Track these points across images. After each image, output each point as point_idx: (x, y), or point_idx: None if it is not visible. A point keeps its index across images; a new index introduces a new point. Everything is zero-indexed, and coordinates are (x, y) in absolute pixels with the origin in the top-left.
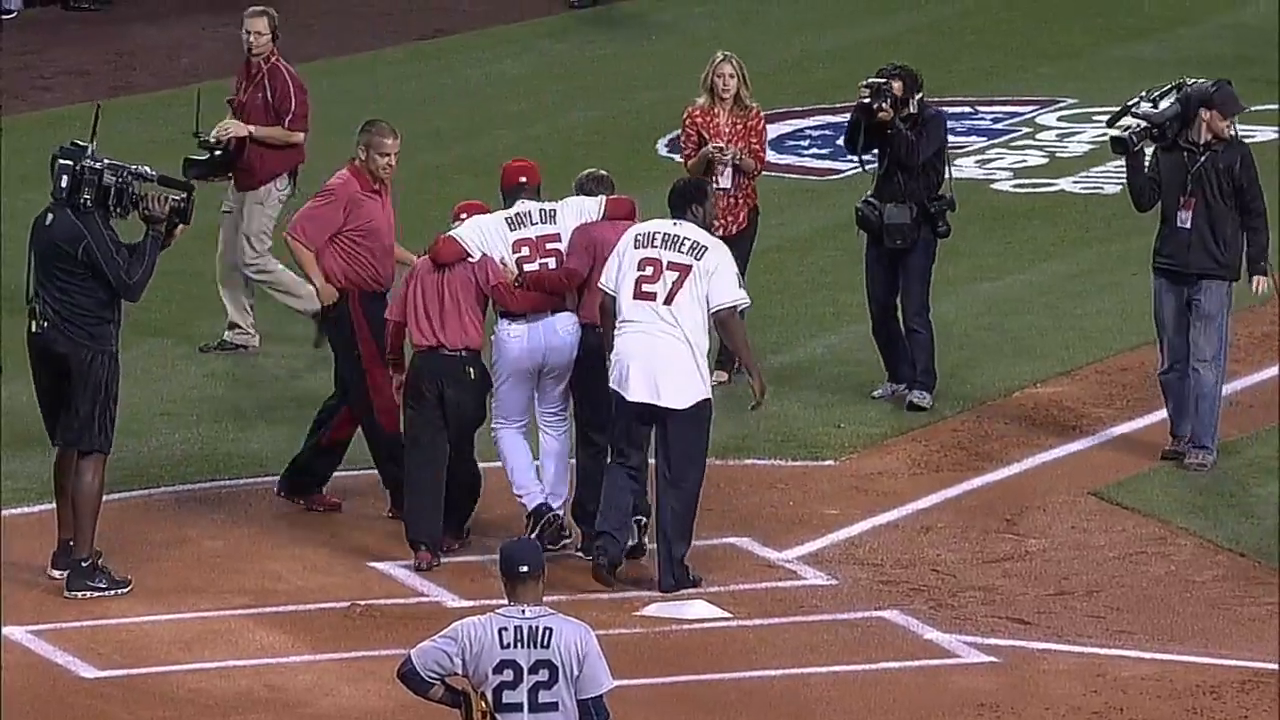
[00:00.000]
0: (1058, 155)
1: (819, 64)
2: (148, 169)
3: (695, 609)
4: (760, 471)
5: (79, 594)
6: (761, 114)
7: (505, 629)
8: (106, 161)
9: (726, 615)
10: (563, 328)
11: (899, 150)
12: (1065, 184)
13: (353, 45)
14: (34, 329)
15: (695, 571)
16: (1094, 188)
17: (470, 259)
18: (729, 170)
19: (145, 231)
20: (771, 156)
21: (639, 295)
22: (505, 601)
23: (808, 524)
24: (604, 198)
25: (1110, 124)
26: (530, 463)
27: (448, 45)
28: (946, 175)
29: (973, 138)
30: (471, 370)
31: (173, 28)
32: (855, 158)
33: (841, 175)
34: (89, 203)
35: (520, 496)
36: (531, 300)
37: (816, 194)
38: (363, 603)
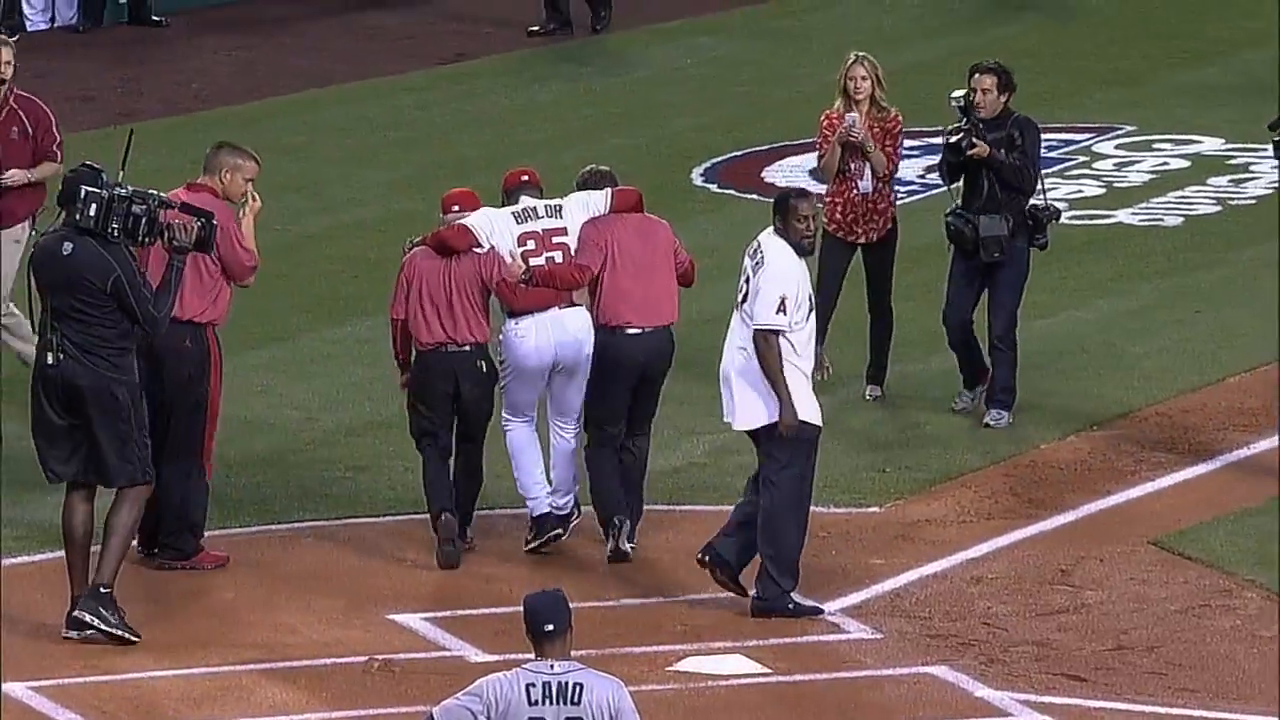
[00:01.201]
0: (1115, 185)
1: None
2: (167, 196)
3: (732, 664)
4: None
5: (86, 616)
6: (900, 118)
7: (533, 685)
8: (131, 189)
9: (765, 670)
10: (573, 324)
11: (1011, 181)
12: (1123, 215)
13: (371, 70)
14: (50, 361)
15: (800, 599)
16: (1154, 220)
17: (478, 249)
18: (867, 172)
19: (169, 262)
20: (812, 186)
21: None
22: (531, 656)
23: (851, 574)
24: (610, 190)
25: (1273, 128)
26: (538, 466)
27: (471, 70)
28: (1040, 182)
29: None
30: (483, 364)
31: (183, 52)
32: (946, 186)
33: None
34: (116, 233)
35: (526, 501)
36: (538, 297)
37: None
38: (381, 657)
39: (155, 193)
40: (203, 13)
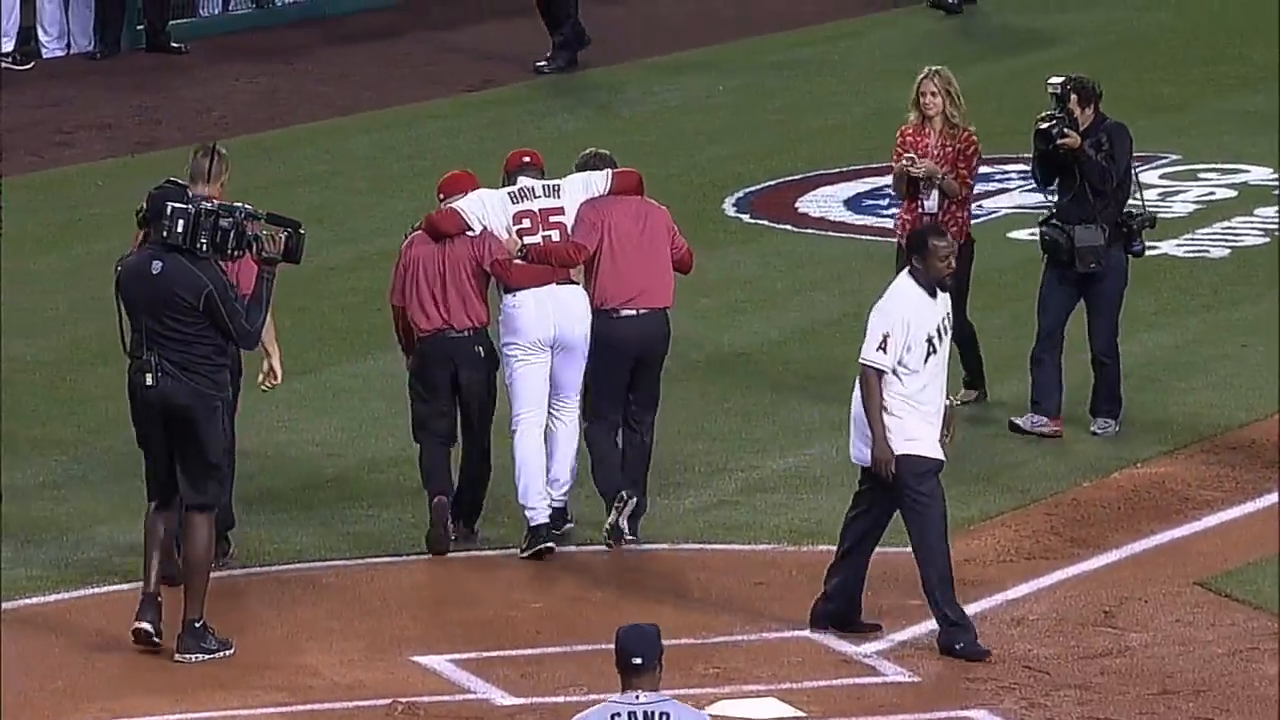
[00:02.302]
0: (1160, 216)
1: (899, 117)
2: (253, 207)
3: (767, 707)
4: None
5: (190, 657)
6: (974, 137)
7: (619, 714)
8: (217, 203)
9: (799, 714)
10: (571, 300)
11: (1092, 177)
12: (1168, 247)
13: (396, 97)
14: (149, 383)
15: (970, 640)
16: (1199, 251)
17: (470, 232)
18: (935, 193)
19: (259, 274)
20: (847, 216)
21: None
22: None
23: (888, 615)
24: (610, 171)
25: None
26: (541, 477)
27: (497, 97)
28: (1136, 189)
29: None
30: (481, 349)
31: (203, 79)
32: (1041, 190)
33: None
34: (205, 247)
35: (524, 509)
36: (534, 273)
37: (896, 257)
38: (404, 701)
39: (241, 205)
40: (222, 39)
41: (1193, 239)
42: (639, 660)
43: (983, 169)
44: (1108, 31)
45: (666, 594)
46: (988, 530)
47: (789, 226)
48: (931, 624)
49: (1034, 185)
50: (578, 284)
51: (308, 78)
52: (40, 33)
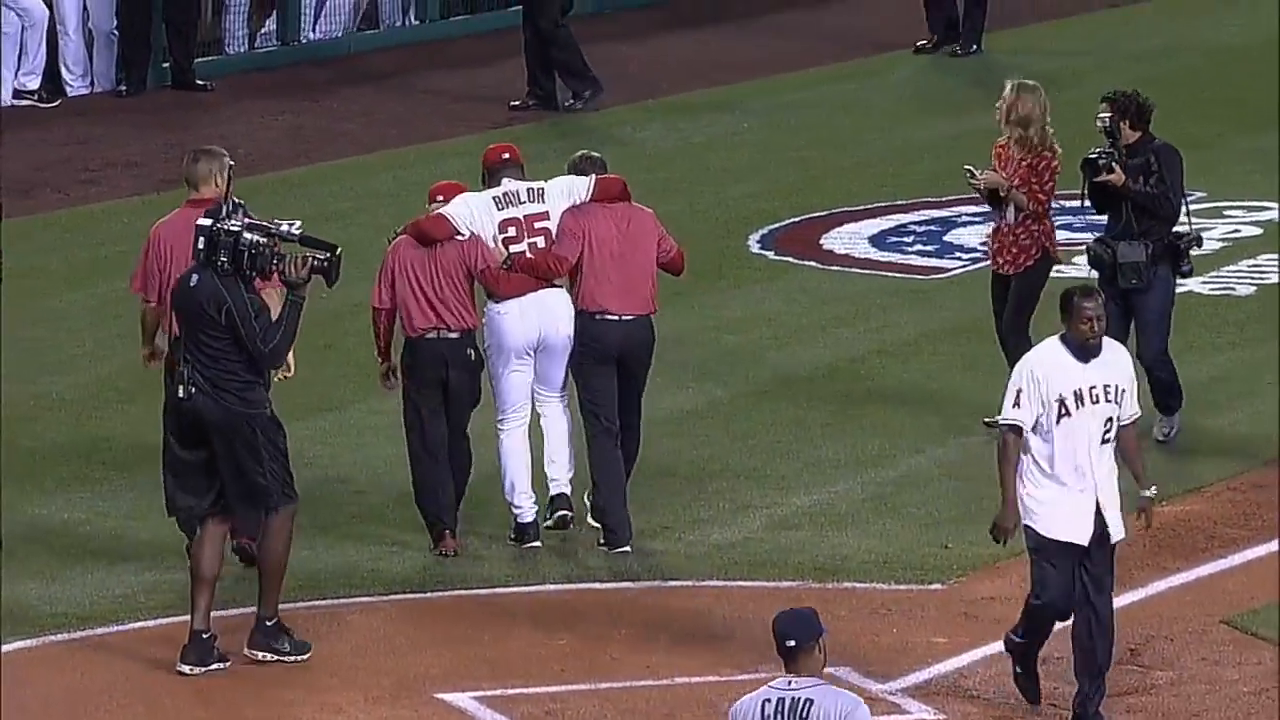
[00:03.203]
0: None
1: (923, 155)
2: (293, 227)
3: None
4: (860, 595)
5: (260, 654)
6: (1054, 154)
7: (769, 700)
8: (248, 221)
9: None
10: (554, 303)
11: (1147, 207)
12: (1194, 285)
13: (420, 134)
14: (182, 395)
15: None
16: (1225, 289)
17: (459, 236)
18: (1011, 206)
19: (285, 296)
20: (872, 253)
21: None
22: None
23: (913, 653)
24: (594, 177)
25: None
26: (527, 476)
27: (523, 134)
28: (1185, 209)
29: (1091, 234)
30: (471, 352)
31: (228, 117)
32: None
33: (948, 274)
34: (226, 265)
35: (511, 507)
36: (519, 283)
37: (921, 294)
38: None
39: (282, 224)
40: (248, 77)
41: (1218, 276)
42: (793, 642)
43: None
44: (1133, 71)
45: (691, 630)
46: (1013, 568)
47: (813, 263)
48: (957, 662)
49: (1082, 211)
50: (561, 287)
51: (332, 115)
52: (65, 71)
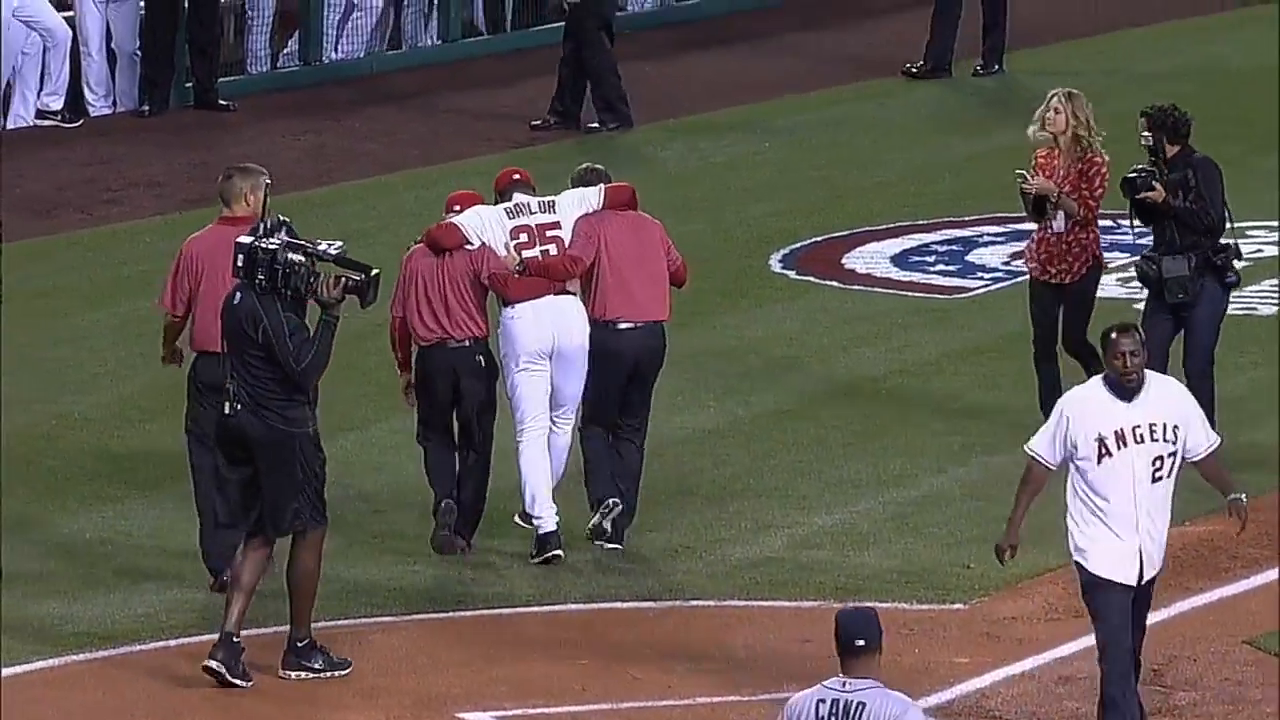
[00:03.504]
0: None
1: (945, 174)
2: (332, 247)
3: None
4: (882, 615)
5: (294, 674)
6: (1102, 161)
7: (823, 700)
8: (287, 239)
9: None
10: (568, 310)
11: (1187, 223)
12: (1269, 307)
13: (442, 154)
14: (227, 411)
15: None
16: (1248, 308)
17: (469, 246)
18: (1060, 213)
19: (320, 316)
20: (894, 273)
21: None
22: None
23: (934, 673)
24: (603, 186)
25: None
26: (549, 485)
27: (545, 153)
28: (1228, 220)
29: (1115, 254)
30: (481, 359)
31: (250, 136)
32: (1140, 228)
33: (970, 294)
34: (264, 283)
35: (534, 518)
36: (532, 286)
37: (943, 314)
38: None
39: (315, 245)
40: (270, 97)
41: (1240, 296)
42: (861, 642)
43: (1029, 226)
44: (1151, 91)
45: (713, 650)
46: (1036, 588)
47: (835, 283)
48: (976, 683)
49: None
50: (574, 294)
51: (354, 135)
52: (87, 91)
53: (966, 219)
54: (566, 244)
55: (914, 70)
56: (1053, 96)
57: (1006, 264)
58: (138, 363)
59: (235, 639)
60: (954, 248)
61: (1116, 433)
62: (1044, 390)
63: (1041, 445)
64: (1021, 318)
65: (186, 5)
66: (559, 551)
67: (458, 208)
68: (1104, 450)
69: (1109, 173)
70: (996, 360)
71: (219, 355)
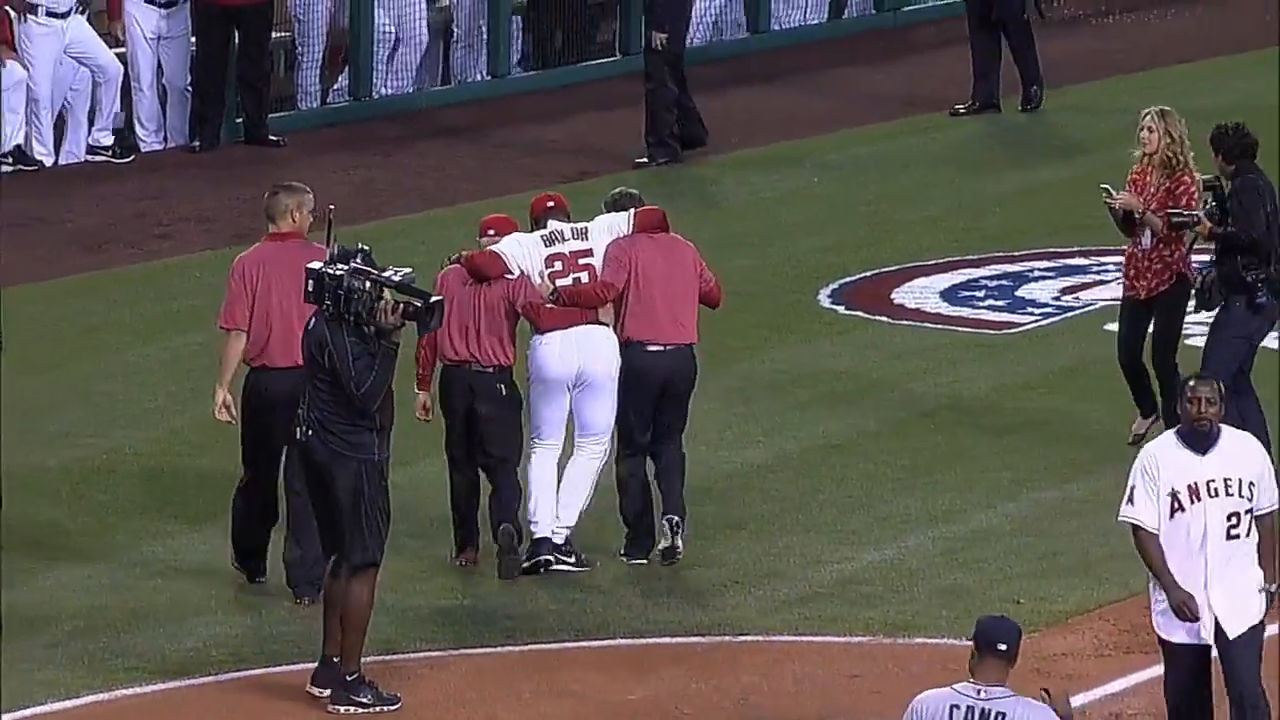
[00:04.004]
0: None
1: (994, 209)
2: (397, 274)
3: None
4: (932, 651)
5: (343, 708)
6: (1192, 180)
7: (957, 706)
8: (354, 266)
9: None
10: (598, 339)
11: (1232, 246)
12: (1271, 341)
13: (492, 189)
14: (298, 435)
15: None
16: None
17: (509, 275)
18: (1147, 230)
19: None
20: (943, 308)
21: None
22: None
23: None
24: (634, 210)
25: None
26: (550, 501)
27: (593, 188)
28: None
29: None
30: (502, 387)
31: (300, 171)
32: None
33: (1020, 329)
34: (330, 308)
35: (529, 523)
36: (564, 315)
37: (993, 349)
38: None
39: (380, 272)
40: (320, 132)
41: None
42: (1004, 646)
43: (1079, 261)
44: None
45: (762, 686)
46: (1086, 624)
47: (884, 318)
48: None
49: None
50: (606, 325)
51: (405, 170)
52: (138, 127)
53: (1016, 254)
54: (598, 270)
55: (962, 110)
56: (1146, 115)
57: (1057, 299)
58: (188, 397)
59: (336, 659)
60: (1004, 283)
61: (1190, 487)
62: (1137, 391)
63: (1131, 509)
64: (1071, 353)
65: (237, 41)
66: (549, 557)
67: (492, 231)
68: (1177, 505)
69: (1198, 192)
70: (1046, 395)
71: (275, 370)
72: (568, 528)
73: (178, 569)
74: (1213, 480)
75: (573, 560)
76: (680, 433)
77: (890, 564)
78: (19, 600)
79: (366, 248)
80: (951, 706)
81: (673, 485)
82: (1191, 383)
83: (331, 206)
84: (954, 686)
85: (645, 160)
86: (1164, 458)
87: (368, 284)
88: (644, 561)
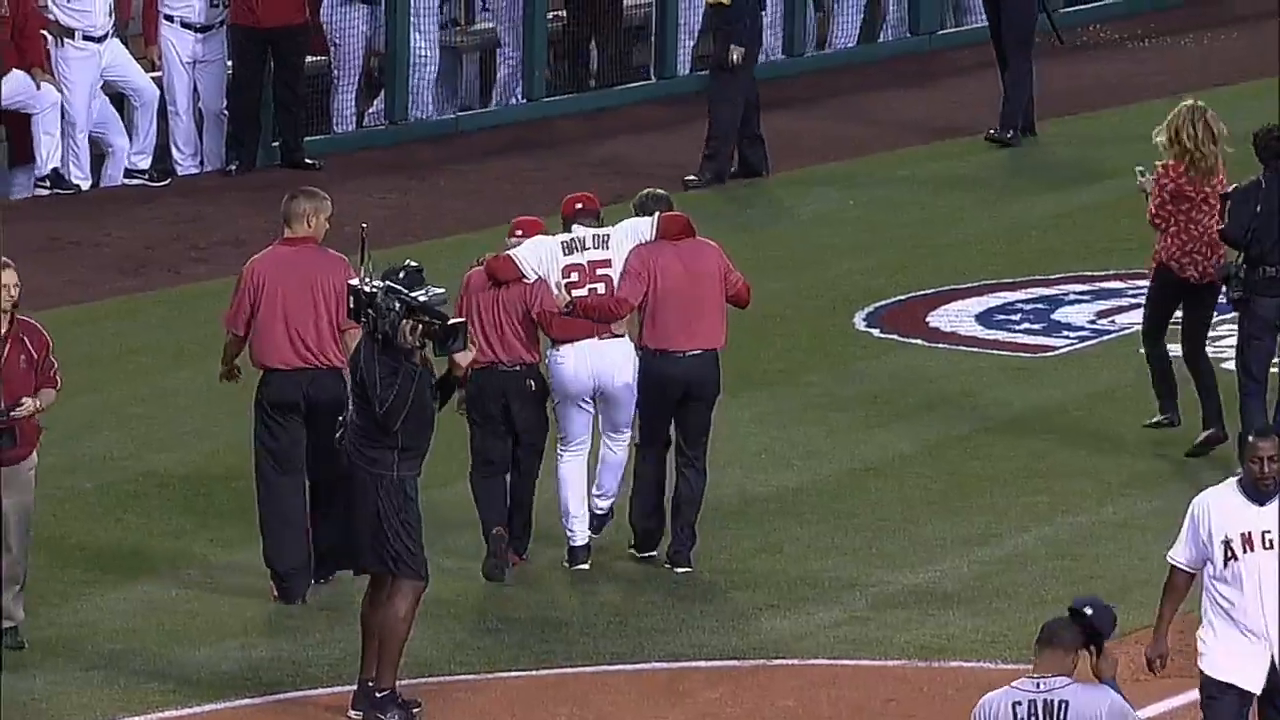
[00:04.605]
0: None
1: (1030, 232)
2: (424, 294)
3: None
4: (966, 675)
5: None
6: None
7: (1019, 703)
8: (388, 284)
9: None
10: (612, 353)
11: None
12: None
13: (528, 212)
14: (337, 438)
15: None
16: None
17: (525, 280)
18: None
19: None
20: (979, 331)
21: None
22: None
23: None
24: (658, 215)
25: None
26: (582, 502)
27: (627, 212)
28: (1242, 241)
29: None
30: (532, 382)
31: (336, 194)
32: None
33: (1055, 353)
34: (366, 325)
35: (566, 530)
36: (577, 327)
37: (1029, 372)
38: None
39: (409, 291)
40: (356, 155)
41: None
42: (1059, 637)
43: (1114, 284)
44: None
45: (797, 709)
46: (1121, 648)
47: (920, 341)
48: None
49: None
50: (623, 335)
51: (440, 193)
52: (175, 150)
53: (1052, 277)
54: (615, 281)
55: (995, 135)
56: (1181, 109)
57: (1092, 322)
58: (224, 421)
59: (370, 683)
60: (1039, 306)
61: (1244, 535)
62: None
63: (1178, 552)
64: (1107, 376)
65: (272, 64)
66: (585, 565)
67: (520, 232)
68: (1229, 553)
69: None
70: (1082, 419)
71: (283, 372)
72: (611, 497)
73: (214, 591)
74: (1269, 531)
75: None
76: (704, 443)
77: (925, 587)
78: (55, 622)
79: (415, 265)
80: (1014, 704)
81: (690, 508)
82: (1253, 439)
83: (365, 225)
84: (1013, 684)
85: (694, 178)
86: (1218, 504)
87: (397, 303)
88: (654, 554)
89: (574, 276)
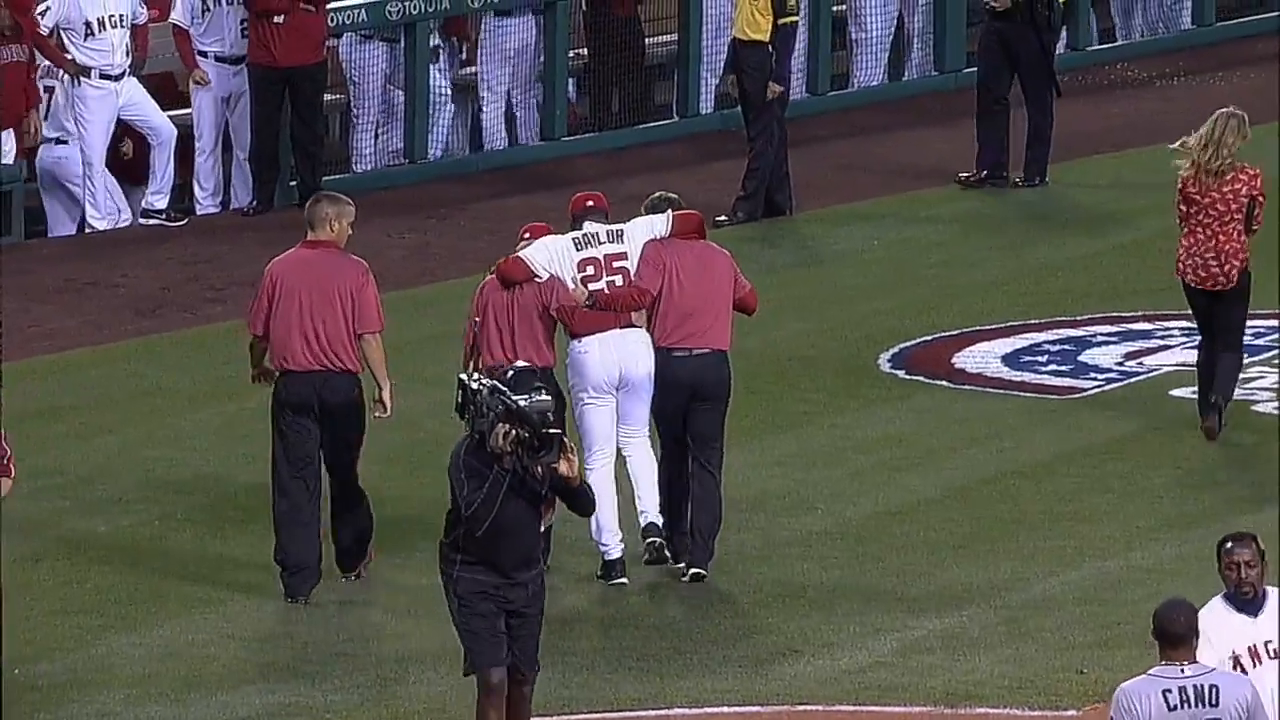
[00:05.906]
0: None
1: (1057, 273)
2: (525, 400)
3: None
4: None
5: None
6: (1252, 178)
7: (1169, 690)
8: (493, 383)
9: None
10: (634, 342)
11: None
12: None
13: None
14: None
15: None
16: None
17: (538, 279)
18: None
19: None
20: (1005, 373)
21: None
22: None
23: None
24: (671, 212)
25: None
26: (614, 513)
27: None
28: None
29: None
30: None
31: (354, 234)
32: None
33: (1083, 394)
34: (467, 422)
35: (598, 545)
36: (598, 319)
37: (1055, 414)
38: None
39: (511, 395)
40: (375, 194)
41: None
42: (1188, 630)
43: (1143, 325)
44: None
45: None
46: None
47: (945, 383)
48: None
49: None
50: (640, 327)
51: (460, 232)
52: (197, 188)
53: (1079, 318)
54: (633, 272)
55: (970, 180)
56: (1216, 118)
57: (1120, 364)
58: (241, 463)
59: None
60: (1066, 347)
61: (1250, 649)
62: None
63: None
64: (1135, 419)
65: (290, 103)
66: (624, 580)
67: (528, 235)
68: (1240, 669)
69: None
70: (1110, 462)
71: (298, 373)
72: (657, 506)
73: (230, 636)
74: (1270, 641)
75: (666, 551)
76: (715, 447)
77: (951, 632)
78: (70, 668)
79: (527, 365)
80: (1164, 691)
81: (708, 517)
82: (1229, 545)
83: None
84: (1150, 672)
85: (726, 219)
86: (1216, 623)
87: (500, 405)
88: (703, 572)
89: (590, 270)
